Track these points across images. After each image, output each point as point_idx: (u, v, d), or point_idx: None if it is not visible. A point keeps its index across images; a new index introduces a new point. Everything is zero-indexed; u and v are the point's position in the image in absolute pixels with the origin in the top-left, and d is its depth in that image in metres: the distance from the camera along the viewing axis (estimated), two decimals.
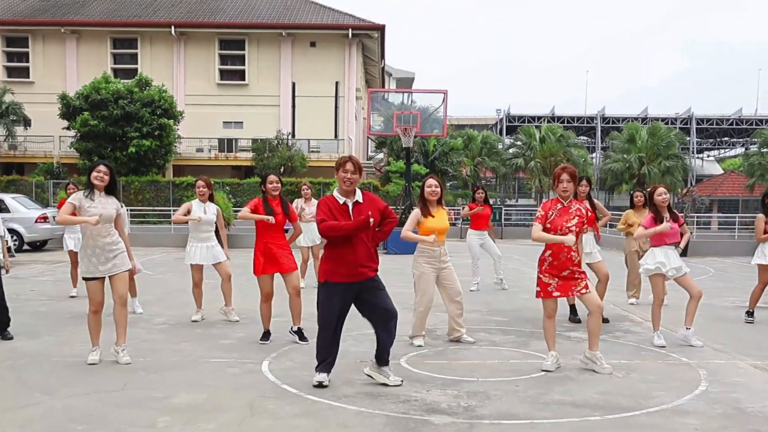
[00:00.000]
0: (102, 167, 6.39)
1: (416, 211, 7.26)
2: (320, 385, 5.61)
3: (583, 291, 6.19)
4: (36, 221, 19.14)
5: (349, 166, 5.68)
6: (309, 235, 11.43)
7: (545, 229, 6.18)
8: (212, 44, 36.51)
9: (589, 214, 6.34)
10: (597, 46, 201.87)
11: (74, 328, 7.98)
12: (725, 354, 7.07)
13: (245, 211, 7.48)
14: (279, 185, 7.49)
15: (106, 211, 6.32)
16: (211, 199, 8.61)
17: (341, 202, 5.66)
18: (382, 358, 5.79)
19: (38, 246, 20.06)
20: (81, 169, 31.45)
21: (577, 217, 6.16)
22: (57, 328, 8.13)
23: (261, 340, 7.38)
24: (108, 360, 6.48)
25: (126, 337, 6.58)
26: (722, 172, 48.06)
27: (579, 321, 8.63)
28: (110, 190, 6.47)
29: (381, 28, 36.89)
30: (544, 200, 38.61)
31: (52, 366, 6.30)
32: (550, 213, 6.23)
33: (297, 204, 11.47)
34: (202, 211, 8.48)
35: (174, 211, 26.09)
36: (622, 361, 6.69)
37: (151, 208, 28.51)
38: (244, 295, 9.90)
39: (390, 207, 5.96)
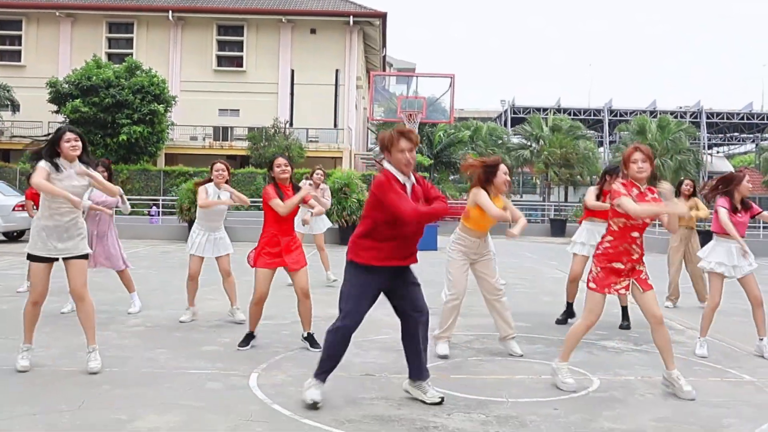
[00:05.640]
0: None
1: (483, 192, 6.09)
2: (315, 406, 4.63)
3: (625, 292, 5.19)
4: (13, 209, 17.48)
5: (404, 143, 4.57)
6: (313, 224, 10.39)
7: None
8: (210, 30, 35.56)
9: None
10: (600, 37, 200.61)
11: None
12: None
13: (275, 198, 6.27)
14: (288, 168, 6.45)
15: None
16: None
17: (402, 182, 4.62)
18: (410, 369, 4.89)
19: (14, 236, 18.57)
20: None
21: None
22: (14, 330, 7.07)
23: (240, 344, 6.37)
24: (65, 370, 5.47)
25: (95, 337, 5.58)
26: (733, 169, 46.86)
27: (628, 328, 7.58)
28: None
29: (383, 16, 36.28)
30: (551, 197, 37.84)
31: None
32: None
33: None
34: (217, 197, 7.53)
35: (164, 201, 25.09)
36: None
37: (140, 198, 27.26)
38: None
39: None
